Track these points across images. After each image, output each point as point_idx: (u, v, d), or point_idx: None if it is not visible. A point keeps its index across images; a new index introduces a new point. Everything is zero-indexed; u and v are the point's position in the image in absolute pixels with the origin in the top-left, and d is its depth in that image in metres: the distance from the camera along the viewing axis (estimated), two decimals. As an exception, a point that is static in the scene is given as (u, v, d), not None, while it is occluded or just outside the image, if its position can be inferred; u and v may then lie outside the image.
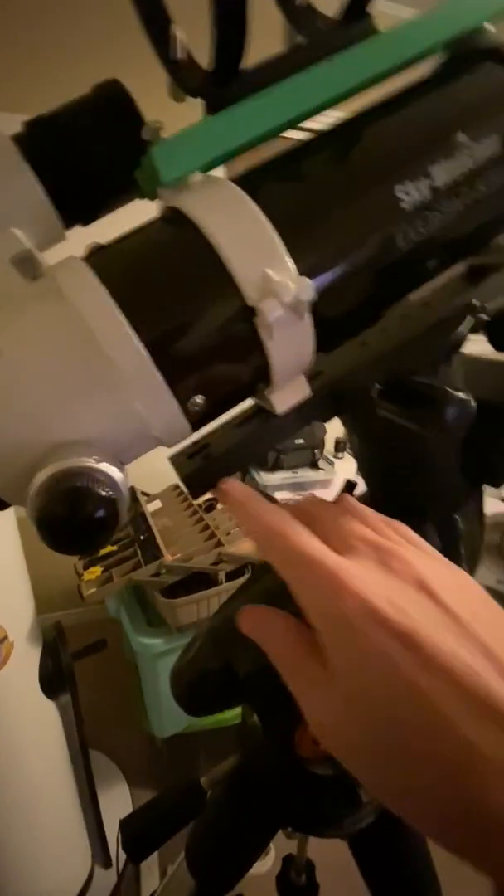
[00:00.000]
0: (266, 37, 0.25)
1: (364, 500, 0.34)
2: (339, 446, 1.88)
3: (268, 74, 0.20)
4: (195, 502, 1.20)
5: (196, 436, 0.26)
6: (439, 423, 0.20)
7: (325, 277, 0.20)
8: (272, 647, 0.18)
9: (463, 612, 0.15)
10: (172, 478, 1.33)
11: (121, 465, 0.19)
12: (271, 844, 0.37)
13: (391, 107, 0.22)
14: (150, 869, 1.03)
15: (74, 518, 0.16)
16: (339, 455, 1.87)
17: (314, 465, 1.77)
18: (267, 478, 1.69)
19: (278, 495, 1.58)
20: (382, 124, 0.21)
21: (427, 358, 0.24)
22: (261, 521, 0.18)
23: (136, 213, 0.27)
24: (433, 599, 0.15)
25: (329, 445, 1.86)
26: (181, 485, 1.34)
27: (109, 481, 0.17)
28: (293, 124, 0.20)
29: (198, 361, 0.19)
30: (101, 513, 0.16)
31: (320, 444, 1.76)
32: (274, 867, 0.50)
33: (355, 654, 0.15)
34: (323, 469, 1.76)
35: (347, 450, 1.88)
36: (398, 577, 0.16)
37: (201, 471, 0.24)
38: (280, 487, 1.66)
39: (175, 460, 0.26)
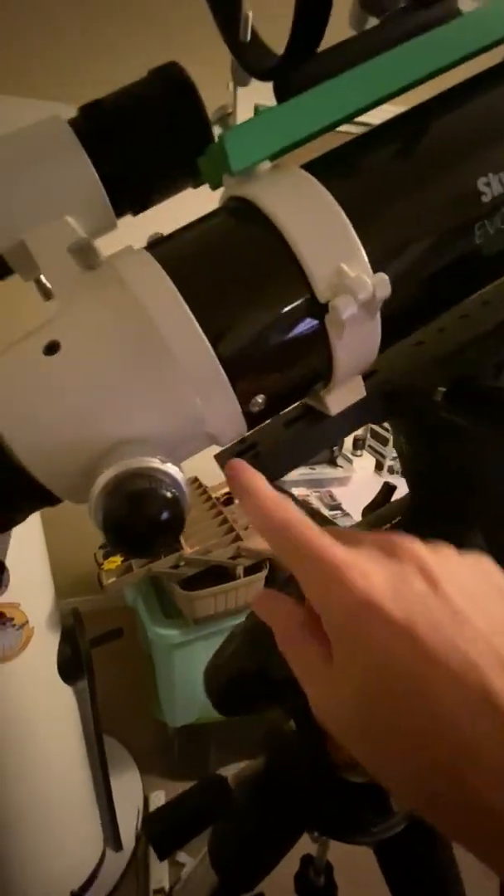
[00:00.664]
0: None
1: (404, 504, 0.33)
2: (357, 444, 1.86)
3: (342, 58, 0.19)
4: (214, 495, 1.20)
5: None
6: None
7: (399, 272, 0.19)
8: (277, 630, 0.18)
9: (466, 602, 0.15)
10: (191, 470, 1.33)
11: (178, 461, 0.19)
12: None
13: (469, 93, 0.21)
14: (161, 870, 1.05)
15: (141, 521, 0.15)
16: (358, 453, 1.85)
17: (332, 462, 1.75)
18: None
19: (295, 491, 1.58)
20: (462, 112, 0.20)
21: (491, 361, 0.23)
22: (267, 513, 0.17)
23: (181, 202, 0.26)
24: (436, 589, 0.15)
25: (347, 443, 1.84)
26: (200, 477, 1.33)
27: (173, 482, 0.16)
28: (369, 110, 0.19)
29: (262, 360, 0.18)
30: (166, 514, 0.15)
31: (339, 441, 1.74)
32: (289, 862, 0.50)
33: (355, 645, 0.15)
34: (341, 466, 1.75)
35: (366, 447, 1.86)
36: (401, 567, 0.16)
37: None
38: (297, 483, 1.65)
39: (221, 459, 0.25)
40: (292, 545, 0.17)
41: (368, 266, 0.17)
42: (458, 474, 0.26)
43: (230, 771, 0.38)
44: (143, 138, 0.23)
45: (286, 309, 0.18)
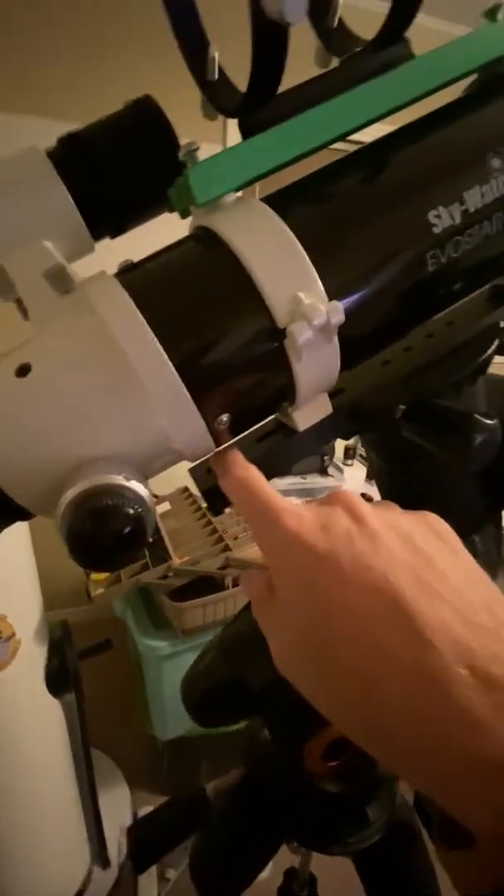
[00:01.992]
0: (299, 58, 0.26)
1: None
2: (348, 453, 1.87)
3: (302, 98, 0.20)
4: (204, 505, 1.21)
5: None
6: (465, 450, 0.20)
7: (354, 299, 0.20)
8: (248, 593, 0.20)
9: (390, 536, 0.16)
10: (181, 480, 1.33)
11: (145, 479, 0.20)
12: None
13: (424, 129, 0.22)
14: (149, 871, 1.03)
15: (103, 535, 0.16)
16: (349, 462, 1.87)
17: (323, 471, 1.76)
18: (276, 482, 1.68)
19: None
20: (416, 147, 0.22)
21: (451, 379, 0.24)
22: (231, 471, 0.20)
23: (161, 224, 0.27)
24: (360, 525, 0.17)
25: (338, 452, 1.86)
26: (190, 488, 1.34)
27: (137, 498, 0.17)
28: (325, 147, 0.20)
29: (225, 381, 0.19)
30: (128, 530, 0.16)
31: (330, 451, 1.75)
32: (273, 876, 0.50)
33: (288, 579, 0.17)
34: (332, 476, 1.76)
35: (357, 457, 1.87)
36: (332, 509, 0.18)
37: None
38: (288, 493, 1.66)
39: (195, 473, 0.26)
40: (247, 497, 0.19)
41: (324, 294, 0.18)
42: (421, 487, 0.27)
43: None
44: (118, 168, 0.24)
45: (247, 334, 0.19)
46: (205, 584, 0.98)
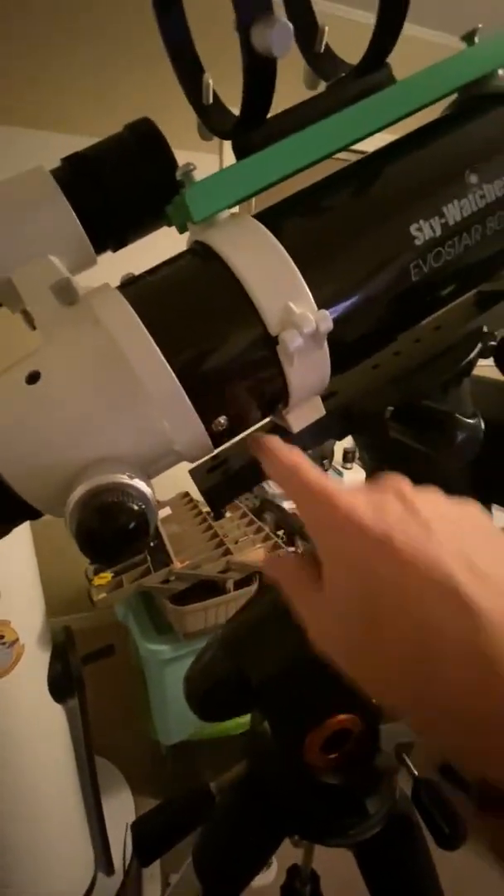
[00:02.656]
0: (291, 79, 0.27)
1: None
2: (347, 456, 1.89)
3: (290, 122, 0.21)
4: (204, 510, 1.22)
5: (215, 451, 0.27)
6: (449, 448, 0.21)
7: (342, 308, 0.21)
8: (281, 579, 0.20)
9: (439, 521, 0.17)
10: (182, 485, 1.34)
11: (148, 479, 0.21)
12: (274, 857, 0.38)
13: (406, 147, 0.24)
14: (153, 876, 1.03)
15: (109, 530, 0.17)
16: (348, 465, 1.88)
17: (323, 475, 1.77)
18: (277, 487, 1.69)
19: (287, 505, 1.59)
20: (398, 164, 0.23)
21: (437, 381, 0.26)
22: (280, 459, 0.21)
23: (161, 237, 0.29)
24: (411, 510, 0.17)
25: (338, 455, 1.87)
26: (191, 493, 1.34)
27: (140, 495, 0.18)
28: (314, 165, 0.22)
29: (222, 385, 0.20)
30: (133, 524, 0.17)
31: (329, 455, 1.77)
32: (277, 879, 0.51)
33: (341, 559, 0.17)
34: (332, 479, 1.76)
35: (356, 460, 1.88)
36: (383, 494, 0.18)
37: (220, 485, 0.25)
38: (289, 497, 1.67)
39: (195, 474, 0.27)
40: (298, 481, 0.19)
41: (313, 303, 0.20)
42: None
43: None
44: (119, 187, 0.25)
45: (242, 341, 0.20)
46: (206, 588, 0.99)
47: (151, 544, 1.05)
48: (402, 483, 0.19)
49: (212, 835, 0.37)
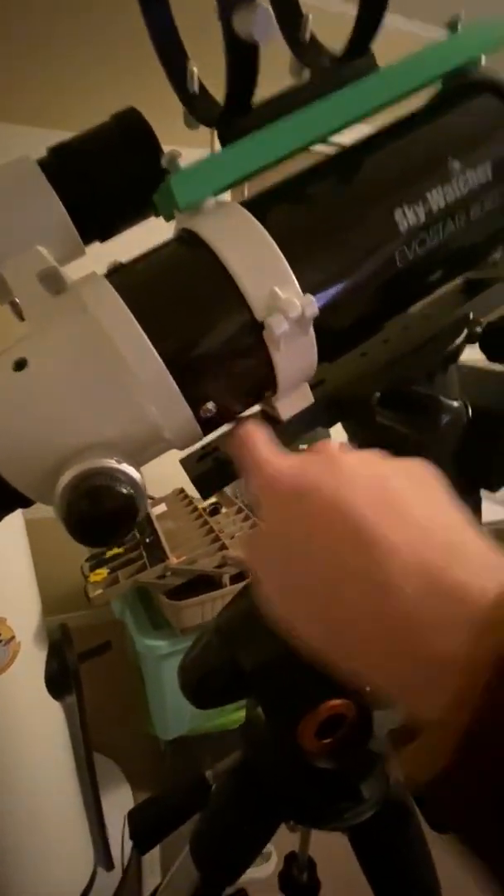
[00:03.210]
0: (276, 68, 0.27)
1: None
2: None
3: (275, 109, 0.21)
4: (200, 506, 1.22)
5: (206, 439, 0.28)
6: (433, 430, 0.22)
7: (328, 294, 0.21)
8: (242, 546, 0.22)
9: (357, 469, 0.18)
10: (177, 482, 1.34)
11: (137, 465, 0.21)
12: (272, 848, 0.38)
13: (391, 135, 0.24)
14: (153, 870, 1.04)
15: (97, 513, 0.17)
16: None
17: (318, 470, 1.78)
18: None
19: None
20: (383, 152, 0.23)
21: (424, 368, 0.26)
22: (236, 436, 0.22)
23: (149, 228, 0.29)
24: (332, 463, 0.18)
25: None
26: (186, 489, 1.35)
27: (129, 479, 0.18)
28: (298, 153, 0.22)
29: (210, 370, 0.21)
30: (121, 508, 0.17)
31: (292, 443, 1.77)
32: (277, 870, 0.51)
33: (266, 513, 0.19)
34: (327, 475, 1.77)
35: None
36: (312, 455, 0.19)
37: (210, 472, 0.26)
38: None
39: (185, 463, 0.28)
40: (241, 448, 0.21)
41: (299, 289, 0.20)
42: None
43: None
44: (106, 177, 0.25)
45: (228, 326, 0.20)
46: (202, 583, 0.99)
47: (147, 540, 1.06)
48: (331, 444, 0.20)
49: (208, 822, 0.37)
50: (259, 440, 0.21)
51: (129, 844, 1.08)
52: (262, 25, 0.17)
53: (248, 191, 0.26)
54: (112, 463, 0.18)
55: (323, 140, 0.22)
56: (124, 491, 0.18)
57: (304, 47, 0.25)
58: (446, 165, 0.22)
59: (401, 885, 0.37)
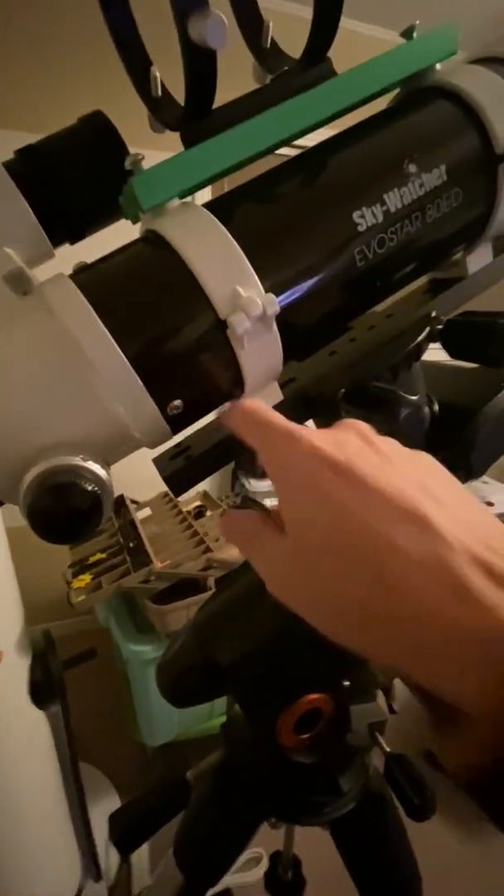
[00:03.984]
0: (241, 70, 0.28)
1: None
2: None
3: (236, 113, 0.22)
4: (184, 509, 1.21)
5: (179, 438, 0.28)
6: (394, 423, 0.22)
7: (291, 293, 0.22)
8: (240, 532, 0.20)
9: (398, 458, 0.18)
10: (161, 486, 1.34)
11: (106, 464, 0.21)
12: (263, 851, 0.38)
13: (350, 138, 0.25)
14: (142, 881, 1.02)
15: (61, 510, 0.17)
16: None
17: (303, 471, 1.79)
18: (257, 485, 1.70)
19: (268, 502, 1.60)
20: (342, 155, 0.24)
21: (386, 364, 0.27)
22: (244, 410, 0.21)
23: (121, 230, 0.29)
24: (371, 445, 0.18)
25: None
26: (171, 493, 1.34)
27: (94, 477, 0.18)
28: (260, 157, 0.22)
29: (176, 368, 0.21)
30: (85, 505, 0.18)
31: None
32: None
33: (303, 490, 0.17)
34: (311, 476, 1.78)
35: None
36: (343, 431, 0.19)
37: (181, 471, 0.26)
38: (270, 494, 1.68)
39: (158, 462, 0.28)
40: (255, 422, 0.20)
41: (261, 288, 0.20)
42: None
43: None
44: (72, 178, 0.25)
45: (192, 324, 0.20)
46: (188, 587, 0.99)
47: (131, 545, 1.05)
48: (361, 423, 0.19)
49: (190, 823, 0.37)
50: (274, 413, 0.20)
51: (115, 854, 1.07)
52: (216, 33, 0.17)
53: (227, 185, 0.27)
54: (77, 461, 0.18)
55: (283, 145, 0.22)
56: (89, 488, 0.18)
57: (265, 53, 0.26)
58: (403, 168, 0.23)
59: (382, 875, 0.37)
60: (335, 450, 0.17)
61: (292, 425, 0.19)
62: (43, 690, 0.88)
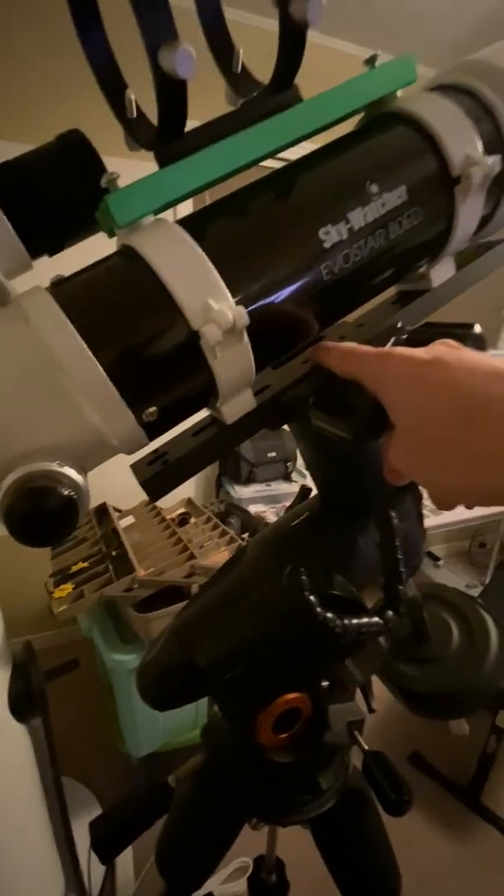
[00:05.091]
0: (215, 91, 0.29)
1: (314, 501, 0.37)
2: (310, 459, 1.92)
3: (207, 135, 0.23)
4: (168, 517, 1.21)
5: (157, 445, 0.29)
6: (354, 424, 0.23)
7: (260, 305, 0.23)
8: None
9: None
10: (144, 493, 1.33)
11: (82, 469, 0.22)
12: (250, 861, 0.38)
13: (317, 159, 0.26)
14: (126, 890, 1.01)
15: (37, 513, 0.18)
16: (311, 468, 1.92)
17: (287, 477, 1.81)
18: (241, 491, 1.71)
19: (252, 508, 1.61)
20: (309, 175, 0.25)
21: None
22: (340, 349, 0.26)
23: (100, 242, 0.30)
24: (455, 347, 0.23)
25: (300, 459, 1.90)
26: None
27: (70, 482, 0.19)
28: (230, 177, 0.23)
29: (150, 377, 0.22)
30: (61, 509, 0.18)
31: (292, 457, 1.80)
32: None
33: (401, 386, 0.22)
34: (296, 481, 1.80)
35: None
36: (426, 347, 0.23)
37: (158, 476, 0.26)
38: (254, 500, 1.69)
39: (135, 467, 0.29)
40: (356, 357, 0.25)
41: (231, 301, 0.22)
42: (342, 470, 0.30)
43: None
44: (49, 194, 0.26)
45: (166, 335, 0.21)
46: (172, 595, 0.99)
47: (113, 553, 1.04)
48: (446, 341, 0.23)
49: (172, 826, 0.38)
50: (361, 345, 0.25)
51: (100, 869, 1.05)
52: (185, 63, 0.18)
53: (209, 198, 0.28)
54: (54, 466, 0.19)
55: (251, 166, 0.23)
56: (65, 493, 0.19)
57: (236, 78, 0.27)
58: (365, 188, 0.25)
59: (361, 871, 0.38)
60: (420, 353, 0.22)
61: (380, 349, 0.24)
62: (23, 703, 0.87)
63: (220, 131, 0.23)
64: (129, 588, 0.95)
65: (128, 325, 0.21)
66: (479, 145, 0.26)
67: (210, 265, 0.21)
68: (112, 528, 1.15)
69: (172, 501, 1.35)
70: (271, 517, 1.59)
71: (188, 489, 1.76)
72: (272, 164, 0.27)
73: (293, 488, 1.75)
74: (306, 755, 0.35)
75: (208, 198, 0.27)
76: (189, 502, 1.35)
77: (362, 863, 0.38)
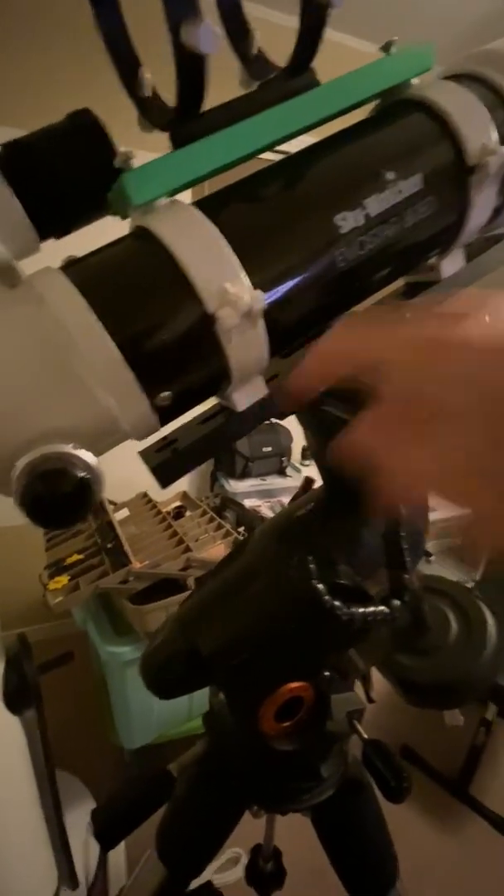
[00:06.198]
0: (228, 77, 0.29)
1: (319, 492, 0.37)
2: (305, 454, 1.93)
3: (224, 117, 0.23)
4: (164, 510, 1.21)
5: (165, 432, 0.28)
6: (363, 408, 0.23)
7: (276, 290, 0.23)
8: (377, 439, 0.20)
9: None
10: (139, 486, 1.32)
11: (96, 454, 0.22)
12: (241, 851, 0.39)
13: (333, 145, 0.26)
14: (119, 882, 1.01)
15: (53, 495, 0.18)
16: (307, 462, 1.92)
17: (282, 472, 1.81)
18: (236, 485, 1.71)
19: (248, 502, 1.61)
20: (326, 161, 0.25)
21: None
22: (341, 335, 0.21)
23: (106, 226, 0.29)
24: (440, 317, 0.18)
25: (296, 453, 1.91)
26: (150, 493, 1.33)
27: (84, 464, 0.19)
28: (246, 160, 0.23)
29: (164, 360, 0.22)
30: (76, 490, 0.18)
31: (287, 452, 1.80)
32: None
33: (410, 356, 0.17)
34: (290, 476, 1.81)
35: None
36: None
37: (168, 462, 0.26)
38: (249, 495, 1.69)
39: (144, 454, 0.28)
40: (355, 343, 0.20)
41: (248, 284, 0.21)
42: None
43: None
44: (60, 174, 0.26)
45: (181, 317, 0.21)
46: (167, 587, 0.98)
47: (109, 545, 1.04)
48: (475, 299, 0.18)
49: (174, 812, 0.38)
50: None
51: (93, 862, 1.05)
52: (207, 39, 0.18)
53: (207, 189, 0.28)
54: (68, 448, 0.19)
55: (268, 149, 0.23)
56: (79, 474, 0.18)
57: (252, 61, 0.27)
58: (382, 175, 0.24)
59: (361, 857, 0.39)
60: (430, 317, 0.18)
61: (385, 325, 0.19)
62: (17, 696, 0.86)
63: (238, 113, 0.23)
64: (124, 580, 0.95)
65: (143, 307, 0.21)
66: (495, 135, 0.26)
67: (228, 248, 0.21)
68: (107, 521, 1.14)
69: (167, 494, 1.35)
70: (266, 511, 1.60)
71: (183, 482, 1.75)
72: (271, 156, 0.27)
73: (288, 483, 1.75)
74: (308, 744, 0.36)
75: (207, 188, 0.26)
76: (184, 496, 1.35)
77: (361, 849, 0.39)
